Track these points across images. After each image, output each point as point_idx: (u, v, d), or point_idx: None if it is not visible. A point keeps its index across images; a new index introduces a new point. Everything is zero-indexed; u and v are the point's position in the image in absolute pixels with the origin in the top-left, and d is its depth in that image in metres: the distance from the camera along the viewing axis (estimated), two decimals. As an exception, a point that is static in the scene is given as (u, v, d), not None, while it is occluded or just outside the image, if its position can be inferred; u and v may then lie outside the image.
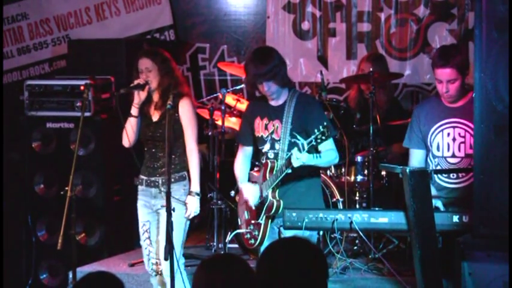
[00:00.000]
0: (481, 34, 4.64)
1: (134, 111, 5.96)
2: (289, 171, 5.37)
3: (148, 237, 5.97)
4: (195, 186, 5.88)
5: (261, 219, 5.61)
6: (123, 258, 7.14)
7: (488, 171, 4.66)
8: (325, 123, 5.21)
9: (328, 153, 5.50)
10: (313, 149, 5.35)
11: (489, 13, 4.62)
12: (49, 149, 7.35)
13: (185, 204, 5.85)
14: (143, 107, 5.97)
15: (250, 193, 5.67)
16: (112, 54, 7.75)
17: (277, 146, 5.59)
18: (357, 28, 8.45)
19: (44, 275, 7.38)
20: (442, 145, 5.61)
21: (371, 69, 7.05)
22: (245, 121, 5.89)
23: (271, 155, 5.63)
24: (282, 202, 5.52)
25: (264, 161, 5.67)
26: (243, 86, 7.35)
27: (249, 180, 5.83)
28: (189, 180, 5.90)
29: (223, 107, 7.13)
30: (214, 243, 7.10)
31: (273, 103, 5.66)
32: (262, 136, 5.68)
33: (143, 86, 5.88)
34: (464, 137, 5.55)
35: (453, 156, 5.59)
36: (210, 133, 7.15)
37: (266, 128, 5.66)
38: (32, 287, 7.36)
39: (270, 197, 5.55)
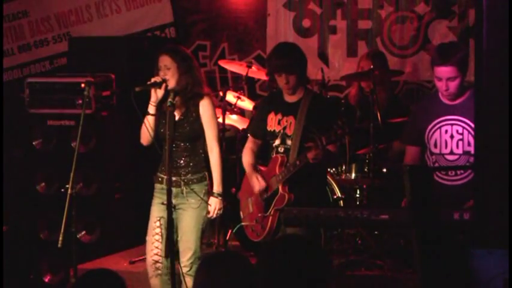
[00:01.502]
0: (481, 31, 4.64)
1: (151, 109, 5.76)
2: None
3: (160, 233, 5.76)
4: (217, 187, 5.77)
5: (270, 212, 5.63)
6: (123, 255, 7.15)
7: (488, 168, 4.66)
8: (341, 122, 5.26)
9: (336, 155, 5.65)
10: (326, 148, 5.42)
11: (490, 10, 4.62)
12: (50, 146, 7.34)
13: (208, 204, 5.75)
14: (162, 105, 5.76)
15: (258, 183, 5.68)
16: (112, 52, 7.75)
17: (288, 141, 5.64)
18: (357, 25, 8.45)
19: (45, 273, 7.38)
20: (440, 142, 5.60)
21: (371, 66, 7.05)
22: (259, 114, 5.93)
23: (281, 149, 5.67)
24: (293, 196, 5.55)
25: (273, 155, 5.69)
26: (243, 83, 7.35)
27: None
28: (210, 180, 5.81)
29: (224, 105, 7.14)
30: (215, 241, 7.10)
31: (288, 99, 5.69)
32: (274, 130, 5.71)
33: (160, 84, 5.69)
34: (462, 134, 5.54)
35: (451, 153, 5.59)
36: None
37: (279, 123, 5.69)
38: (33, 284, 7.36)
39: (280, 190, 5.57)
